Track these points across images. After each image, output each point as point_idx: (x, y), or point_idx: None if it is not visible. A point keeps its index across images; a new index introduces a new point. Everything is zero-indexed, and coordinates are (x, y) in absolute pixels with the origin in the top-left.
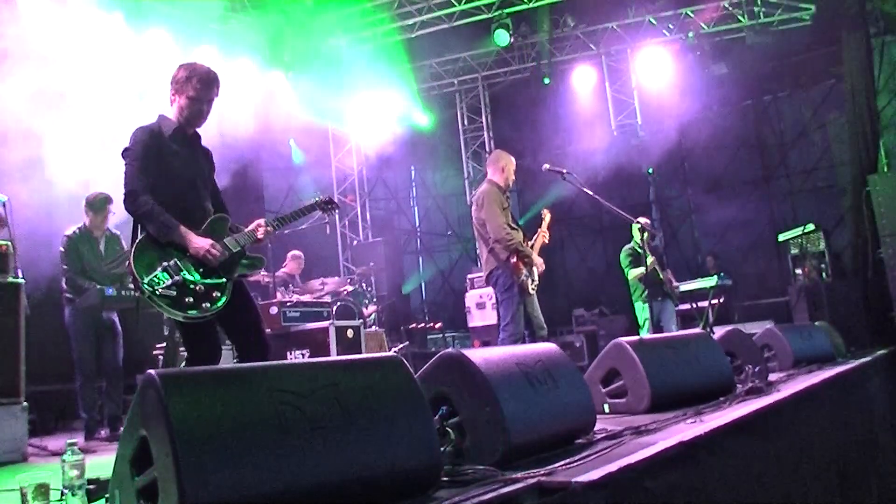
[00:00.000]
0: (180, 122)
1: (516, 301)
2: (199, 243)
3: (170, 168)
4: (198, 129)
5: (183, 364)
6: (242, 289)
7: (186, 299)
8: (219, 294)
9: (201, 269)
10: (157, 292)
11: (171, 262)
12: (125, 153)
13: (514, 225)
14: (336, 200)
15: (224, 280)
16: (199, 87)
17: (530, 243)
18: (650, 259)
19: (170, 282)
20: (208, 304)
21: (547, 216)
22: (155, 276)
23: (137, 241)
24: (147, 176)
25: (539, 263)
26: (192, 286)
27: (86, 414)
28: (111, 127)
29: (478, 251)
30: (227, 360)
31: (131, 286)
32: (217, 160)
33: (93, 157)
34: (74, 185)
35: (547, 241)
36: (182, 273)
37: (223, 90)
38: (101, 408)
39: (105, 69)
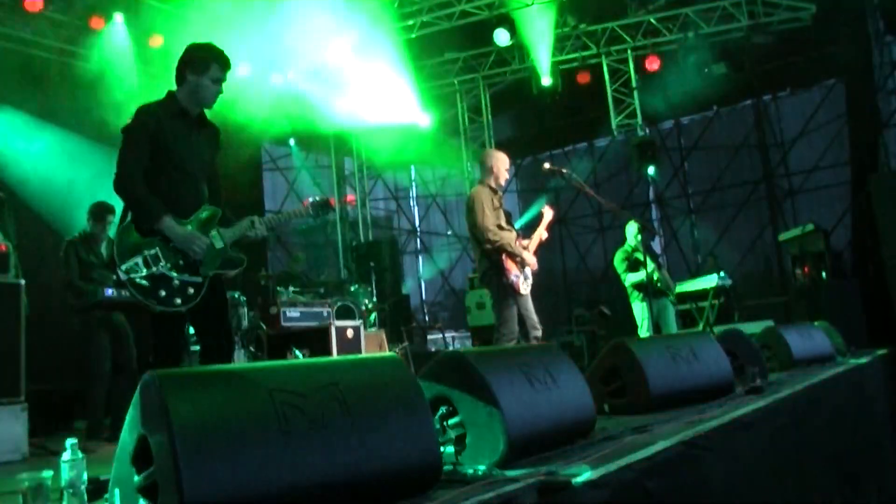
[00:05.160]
0: (190, 102)
1: (511, 301)
2: (182, 236)
3: (167, 151)
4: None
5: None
6: (219, 287)
7: (160, 292)
8: (193, 291)
9: (181, 263)
10: (132, 280)
11: (152, 252)
12: (124, 130)
13: (506, 225)
14: (331, 203)
15: (201, 278)
16: (220, 69)
17: (524, 243)
18: (651, 265)
19: (146, 272)
20: (179, 301)
21: (548, 214)
22: (134, 263)
23: (124, 223)
24: (142, 159)
25: (532, 263)
26: (167, 280)
27: (91, 415)
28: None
29: (473, 252)
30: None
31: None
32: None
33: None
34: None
35: (544, 240)
36: (160, 265)
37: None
38: (107, 408)
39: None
